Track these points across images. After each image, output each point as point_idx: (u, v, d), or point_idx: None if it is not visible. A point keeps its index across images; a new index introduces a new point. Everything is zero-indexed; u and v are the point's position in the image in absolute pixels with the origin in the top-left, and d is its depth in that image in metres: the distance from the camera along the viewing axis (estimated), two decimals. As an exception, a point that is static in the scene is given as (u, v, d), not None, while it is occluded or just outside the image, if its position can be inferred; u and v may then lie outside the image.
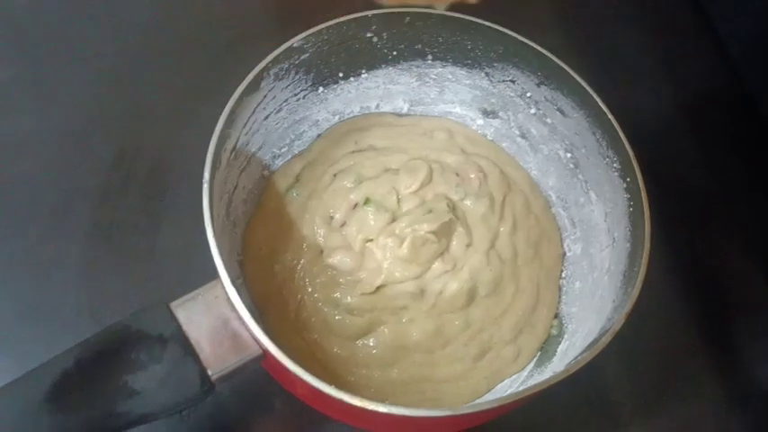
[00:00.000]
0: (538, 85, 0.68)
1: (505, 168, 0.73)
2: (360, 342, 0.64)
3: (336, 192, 0.69)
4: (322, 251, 0.66)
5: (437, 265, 0.65)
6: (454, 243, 0.66)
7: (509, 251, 0.69)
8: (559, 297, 0.69)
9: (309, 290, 0.65)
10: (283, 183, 0.70)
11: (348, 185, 0.69)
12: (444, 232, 0.65)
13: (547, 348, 0.66)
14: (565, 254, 0.71)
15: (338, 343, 0.64)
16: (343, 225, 0.67)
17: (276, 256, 0.67)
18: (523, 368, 0.66)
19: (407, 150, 0.73)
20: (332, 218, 0.68)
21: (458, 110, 0.75)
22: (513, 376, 0.66)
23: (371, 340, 0.63)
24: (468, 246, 0.67)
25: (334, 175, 0.70)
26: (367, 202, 0.67)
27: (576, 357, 0.54)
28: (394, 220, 0.66)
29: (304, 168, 0.71)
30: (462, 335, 0.65)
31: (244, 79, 0.60)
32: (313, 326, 0.64)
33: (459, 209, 0.68)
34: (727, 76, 0.87)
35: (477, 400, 0.64)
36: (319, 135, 0.73)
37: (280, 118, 0.68)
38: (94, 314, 0.67)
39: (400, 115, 0.76)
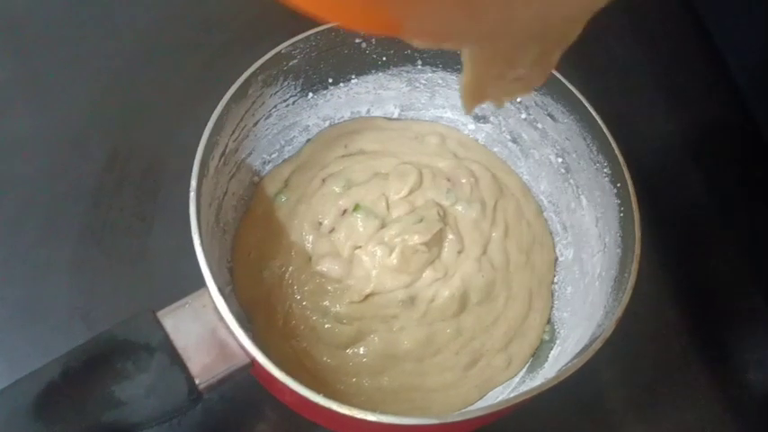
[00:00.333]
0: (528, 89, 0.68)
1: (497, 173, 0.73)
2: (349, 351, 0.63)
3: (325, 197, 0.68)
4: (310, 258, 0.66)
5: (428, 273, 0.64)
6: (446, 250, 0.66)
7: (501, 257, 0.68)
8: (552, 302, 0.69)
9: (298, 297, 0.65)
10: (272, 187, 0.70)
11: (337, 190, 0.68)
12: (435, 241, 0.65)
13: (538, 354, 0.66)
14: (557, 259, 0.71)
15: (327, 351, 0.63)
16: (331, 231, 0.67)
17: (264, 262, 0.66)
18: (515, 375, 0.66)
19: (398, 154, 0.72)
20: (320, 224, 0.67)
21: (449, 114, 0.75)
22: (505, 382, 0.65)
23: (361, 349, 0.63)
24: (460, 252, 0.66)
25: (323, 180, 0.70)
26: (356, 208, 0.67)
27: (568, 363, 0.54)
28: (383, 226, 0.66)
29: (293, 173, 0.71)
30: (453, 343, 0.64)
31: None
32: (302, 334, 0.64)
33: (450, 215, 0.68)
34: (722, 84, 0.87)
35: (467, 408, 0.63)
36: (308, 140, 0.73)
37: (269, 124, 0.68)
38: (86, 317, 0.67)
39: (391, 119, 0.76)
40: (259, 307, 0.65)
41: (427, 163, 0.71)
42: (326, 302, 0.64)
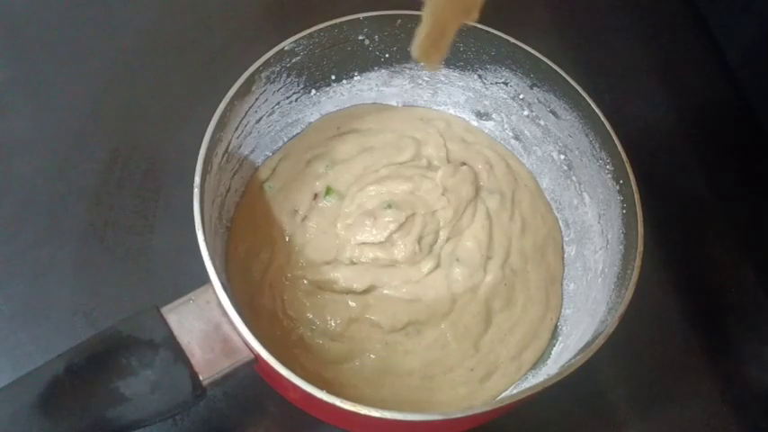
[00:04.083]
0: (531, 87, 0.68)
1: (509, 161, 0.72)
2: (345, 365, 0.60)
3: (303, 181, 0.66)
4: (290, 255, 0.64)
5: (447, 294, 0.63)
6: (462, 270, 0.64)
7: (520, 257, 0.67)
8: (562, 300, 0.67)
9: (280, 304, 0.62)
10: (263, 176, 0.68)
11: (320, 171, 0.67)
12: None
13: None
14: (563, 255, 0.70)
15: (320, 364, 0.60)
16: (304, 220, 0.65)
17: (250, 259, 0.64)
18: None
19: (398, 131, 0.71)
20: (296, 212, 0.66)
21: (451, 111, 0.75)
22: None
23: (357, 363, 0.60)
24: (490, 259, 0.65)
25: (308, 162, 0.68)
26: (328, 191, 0.65)
27: (570, 360, 0.54)
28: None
29: (281, 160, 0.69)
30: (469, 360, 0.62)
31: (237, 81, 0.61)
32: (291, 343, 0.61)
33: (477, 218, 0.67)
34: (723, 80, 0.87)
35: (470, 404, 0.63)
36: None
37: (272, 121, 0.68)
38: (89, 315, 0.66)
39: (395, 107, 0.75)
40: (246, 308, 0.62)
41: (434, 144, 0.70)
42: (310, 315, 0.61)
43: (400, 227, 0.63)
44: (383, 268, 0.63)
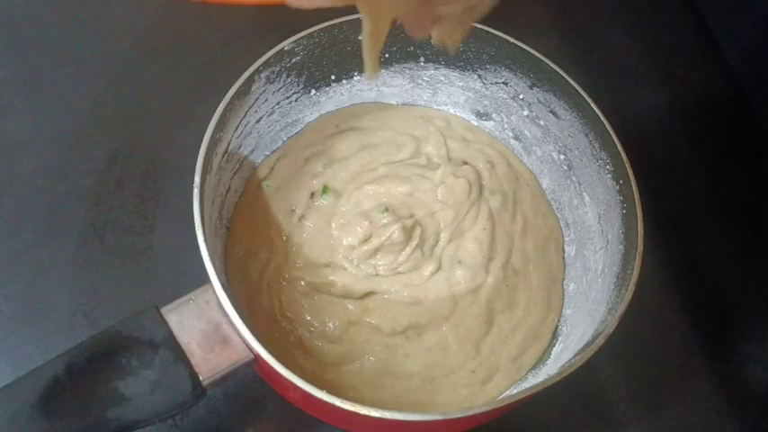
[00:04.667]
0: (530, 87, 0.68)
1: (510, 160, 0.72)
2: (344, 367, 0.60)
3: (301, 180, 0.66)
4: (287, 255, 0.64)
5: (447, 297, 0.62)
6: (462, 273, 0.64)
7: (521, 257, 0.66)
8: (563, 300, 0.67)
9: (278, 305, 0.62)
10: (261, 174, 0.68)
11: (318, 169, 0.67)
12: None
13: (541, 350, 0.66)
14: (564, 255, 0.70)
15: (319, 366, 0.60)
16: (301, 219, 0.65)
17: (248, 259, 0.64)
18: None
19: (397, 129, 0.70)
20: (293, 211, 0.65)
21: (451, 112, 0.75)
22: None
23: (356, 365, 0.60)
24: (492, 260, 0.65)
25: (306, 160, 0.68)
26: (325, 190, 0.65)
27: (570, 360, 0.54)
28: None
29: (279, 159, 0.69)
30: (471, 362, 0.61)
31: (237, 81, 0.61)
32: (290, 344, 0.61)
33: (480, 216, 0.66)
34: (723, 80, 0.87)
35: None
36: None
37: (272, 121, 0.68)
38: (89, 315, 0.66)
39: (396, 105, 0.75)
40: (244, 309, 0.61)
41: (435, 142, 0.70)
42: (308, 317, 0.61)
43: (400, 234, 0.62)
44: (383, 275, 0.63)
